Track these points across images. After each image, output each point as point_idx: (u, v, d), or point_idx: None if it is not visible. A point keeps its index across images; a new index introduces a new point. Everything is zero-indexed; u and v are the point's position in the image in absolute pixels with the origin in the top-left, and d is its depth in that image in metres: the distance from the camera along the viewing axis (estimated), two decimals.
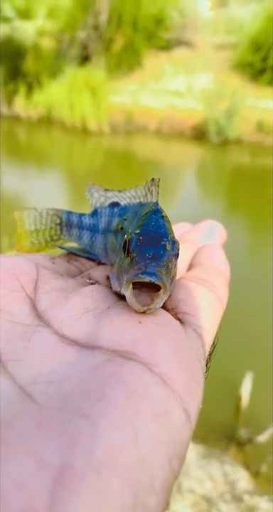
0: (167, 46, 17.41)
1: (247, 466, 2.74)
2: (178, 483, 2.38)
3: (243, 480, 2.57)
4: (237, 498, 2.40)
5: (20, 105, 14.66)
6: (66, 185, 8.62)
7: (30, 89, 14.63)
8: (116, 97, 15.02)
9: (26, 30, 16.71)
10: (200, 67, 16.72)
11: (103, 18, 16.27)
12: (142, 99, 15.45)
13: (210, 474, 2.54)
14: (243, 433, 3.00)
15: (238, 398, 3.15)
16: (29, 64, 15.37)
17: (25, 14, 18.30)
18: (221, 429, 3.05)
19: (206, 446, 2.80)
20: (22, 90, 14.59)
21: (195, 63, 16.93)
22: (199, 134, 13.64)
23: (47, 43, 16.84)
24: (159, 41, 17.16)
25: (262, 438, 2.87)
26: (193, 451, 2.67)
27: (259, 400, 3.13)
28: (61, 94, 14.06)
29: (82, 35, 16.57)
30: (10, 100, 14.84)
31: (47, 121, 14.20)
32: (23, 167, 10.12)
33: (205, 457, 2.68)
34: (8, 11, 17.18)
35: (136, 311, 0.43)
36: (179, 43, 17.64)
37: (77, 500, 0.25)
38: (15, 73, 14.93)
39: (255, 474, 2.70)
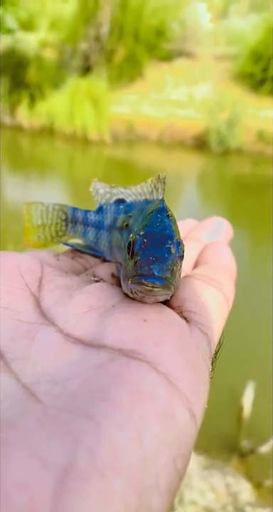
0: (168, 57, 17.60)
1: (250, 478, 2.70)
2: (179, 494, 2.35)
3: (245, 491, 2.53)
4: (240, 510, 2.36)
5: (23, 115, 14.79)
6: (68, 194, 8.67)
7: (32, 99, 14.77)
8: (117, 107, 15.15)
9: (29, 42, 16.93)
10: (201, 77, 16.89)
11: (104, 29, 16.49)
12: (143, 109, 15.58)
13: (212, 485, 2.50)
14: (245, 444, 2.96)
15: (240, 408, 3.12)
16: (32, 75, 15.55)
17: (27, 26, 18.56)
18: (223, 440, 3.01)
19: (208, 457, 2.76)
20: (25, 100, 14.73)
21: (196, 74, 17.11)
22: (200, 144, 13.72)
23: (49, 54, 17.05)
24: (160, 52, 17.34)
25: (265, 449, 2.83)
26: (195, 462, 2.64)
27: (261, 410, 3.09)
28: (63, 104, 14.19)
29: (83, 46, 16.77)
30: (13, 110, 14.99)
31: (50, 131, 14.31)
32: (25, 176, 10.19)
33: (207, 468, 2.65)
34: (11, 23, 17.42)
35: (140, 308, 0.42)
36: (180, 53, 17.84)
37: (80, 501, 0.25)
38: (18, 84, 15.10)
39: (258, 486, 2.66)
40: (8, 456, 0.26)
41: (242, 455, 2.90)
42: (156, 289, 0.42)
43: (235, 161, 13.16)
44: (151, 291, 0.42)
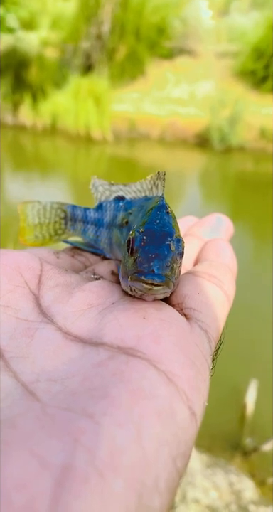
0: (169, 55, 17.55)
1: (253, 476, 2.70)
2: (182, 492, 2.35)
3: (249, 490, 2.52)
4: (243, 508, 2.36)
5: (25, 115, 14.79)
6: (70, 193, 8.67)
7: (34, 98, 14.77)
8: (119, 105, 15.13)
9: (30, 41, 16.93)
10: (203, 75, 16.84)
11: (106, 28, 16.46)
12: (145, 108, 15.55)
13: (215, 484, 2.50)
14: (248, 442, 2.96)
15: (243, 406, 3.11)
16: (33, 74, 15.55)
17: (29, 25, 18.55)
18: (226, 438, 3.01)
19: (211, 455, 2.76)
20: (27, 100, 14.73)
21: (198, 71, 17.06)
22: (202, 142, 13.69)
23: (51, 53, 17.04)
24: (162, 50, 17.30)
25: (268, 447, 2.83)
26: (198, 461, 2.64)
27: (264, 408, 3.09)
28: (65, 103, 14.19)
29: (85, 44, 16.75)
30: (15, 110, 14.99)
31: (52, 130, 14.31)
32: (28, 175, 10.20)
33: (210, 466, 2.64)
34: (13, 22, 17.42)
35: (140, 305, 0.42)
36: (181, 51, 17.78)
37: (79, 502, 0.25)
38: (20, 83, 15.10)
39: (261, 484, 2.65)
40: (7, 455, 0.26)
41: (245, 453, 2.90)
42: (155, 288, 0.42)
43: (237, 158, 13.13)
44: (151, 289, 0.42)
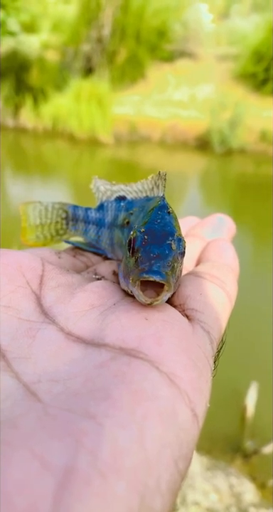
0: (170, 58, 17.58)
1: (253, 478, 2.69)
2: (182, 495, 2.34)
3: (249, 492, 2.52)
4: (243, 511, 2.35)
5: (26, 117, 14.80)
6: (72, 195, 8.67)
7: (35, 101, 14.79)
8: (119, 108, 15.15)
9: (31, 44, 16.97)
10: (203, 78, 16.86)
11: (106, 31, 16.50)
12: (146, 110, 15.57)
13: (215, 486, 2.49)
14: (249, 444, 2.95)
15: (243, 409, 3.10)
16: (34, 77, 15.59)
17: (30, 28, 18.60)
18: (226, 441, 3.00)
19: (211, 457, 2.75)
20: (28, 102, 14.76)
21: (198, 74, 17.08)
22: (203, 144, 13.70)
23: (51, 56, 17.09)
24: (162, 53, 17.32)
25: (268, 449, 2.82)
26: (198, 463, 2.63)
27: (264, 411, 3.08)
28: (66, 106, 14.21)
29: (85, 48, 16.79)
30: (16, 112, 15.00)
31: (53, 132, 14.32)
32: (29, 178, 10.21)
33: (210, 469, 2.64)
34: (14, 26, 17.46)
35: (142, 306, 0.42)
36: (182, 54, 17.81)
37: (81, 504, 0.25)
38: (21, 86, 15.13)
39: (261, 486, 2.64)
40: (9, 457, 0.26)
41: (246, 456, 2.89)
42: (155, 303, 0.42)
43: (238, 161, 13.13)
44: (150, 304, 0.42)
